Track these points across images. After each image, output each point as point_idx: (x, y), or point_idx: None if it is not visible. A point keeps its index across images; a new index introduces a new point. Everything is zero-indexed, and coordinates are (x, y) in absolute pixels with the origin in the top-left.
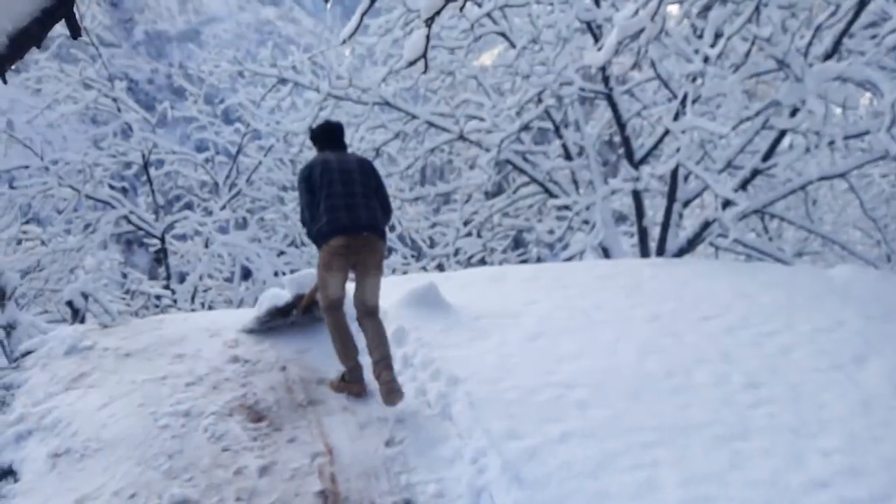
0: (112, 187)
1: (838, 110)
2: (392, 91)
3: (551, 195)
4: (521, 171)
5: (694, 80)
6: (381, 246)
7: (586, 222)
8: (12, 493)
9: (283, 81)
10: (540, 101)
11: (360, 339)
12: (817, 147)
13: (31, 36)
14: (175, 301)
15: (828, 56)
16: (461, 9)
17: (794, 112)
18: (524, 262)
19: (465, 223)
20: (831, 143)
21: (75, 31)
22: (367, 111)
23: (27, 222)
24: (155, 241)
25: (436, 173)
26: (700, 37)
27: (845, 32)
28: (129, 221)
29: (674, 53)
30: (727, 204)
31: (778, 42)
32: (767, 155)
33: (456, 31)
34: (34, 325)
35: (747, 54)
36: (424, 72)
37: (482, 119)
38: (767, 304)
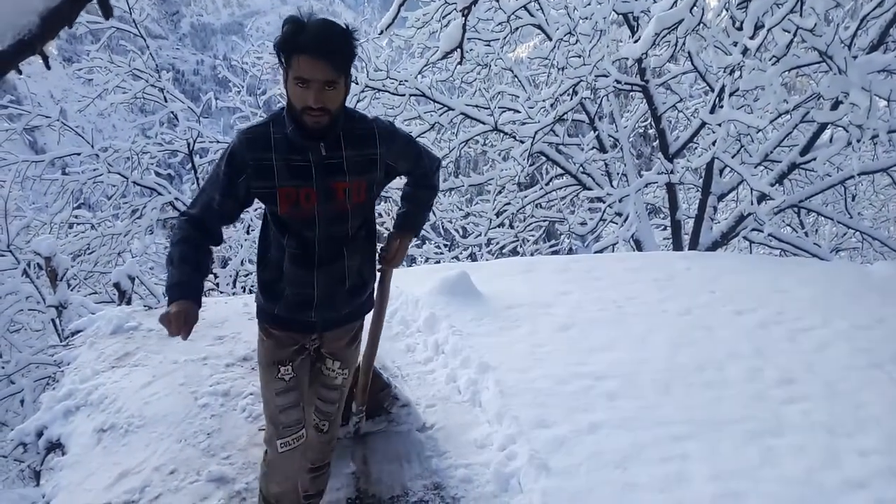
0: (158, 174)
1: (882, 103)
2: (428, 83)
3: (584, 187)
4: (555, 163)
5: (732, 72)
6: None
7: (619, 215)
8: (60, 465)
9: None
10: (575, 93)
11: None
12: (860, 141)
13: (62, 16)
14: (217, 285)
15: (873, 48)
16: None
17: (835, 105)
18: (555, 253)
19: (498, 214)
20: (874, 137)
21: (107, 11)
22: (403, 102)
23: (78, 207)
24: None
25: (470, 164)
26: (739, 28)
27: (893, 23)
28: (175, 208)
29: (712, 46)
30: (763, 198)
31: (821, 33)
32: (806, 149)
33: (492, 23)
34: (83, 305)
35: (788, 46)
36: (460, 62)
37: (517, 111)
38: (803, 299)
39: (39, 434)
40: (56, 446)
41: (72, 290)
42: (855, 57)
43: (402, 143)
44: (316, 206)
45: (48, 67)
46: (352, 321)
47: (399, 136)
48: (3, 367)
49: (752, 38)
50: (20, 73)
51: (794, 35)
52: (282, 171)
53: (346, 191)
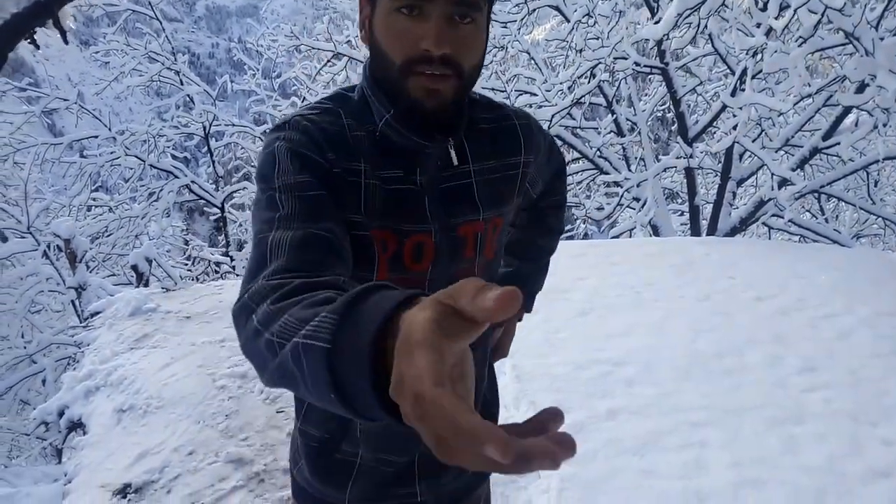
0: (175, 157)
1: None
2: None
3: (601, 171)
4: (572, 147)
5: (754, 54)
6: None
7: (636, 199)
8: (81, 444)
9: (338, 56)
10: (593, 75)
11: None
12: (886, 125)
13: None
14: (234, 268)
15: None
16: None
17: (861, 88)
18: (570, 238)
19: None
20: None
21: None
22: None
23: (96, 190)
24: (215, 209)
25: None
26: (763, 9)
27: None
28: (191, 191)
29: (734, 28)
30: (783, 183)
31: (849, 14)
32: (829, 133)
33: (509, 4)
34: (102, 287)
35: (816, 26)
36: None
37: (534, 94)
38: (824, 285)
39: (61, 413)
40: (77, 426)
41: (91, 272)
42: (882, 38)
43: (548, 146)
44: (430, 270)
45: (66, 42)
46: (482, 482)
47: (545, 133)
48: (24, 347)
49: (776, 18)
50: (37, 47)
51: (822, 15)
52: (372, 198)
53: (479, 238)
